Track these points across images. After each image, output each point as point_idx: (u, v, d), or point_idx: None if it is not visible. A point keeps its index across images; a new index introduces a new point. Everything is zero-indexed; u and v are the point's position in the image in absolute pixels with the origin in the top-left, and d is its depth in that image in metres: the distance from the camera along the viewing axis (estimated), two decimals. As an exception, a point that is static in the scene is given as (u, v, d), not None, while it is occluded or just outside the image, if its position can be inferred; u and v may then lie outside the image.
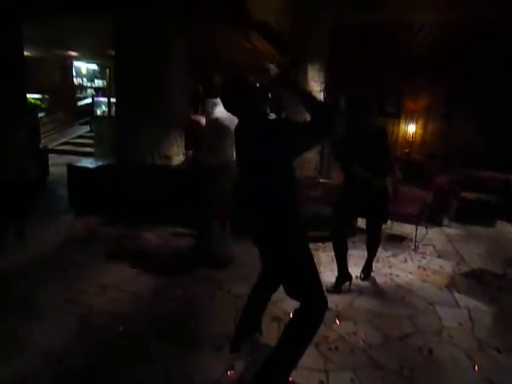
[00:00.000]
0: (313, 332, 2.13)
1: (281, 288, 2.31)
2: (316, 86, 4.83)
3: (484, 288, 3.72)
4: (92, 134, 10.65)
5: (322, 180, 5.12)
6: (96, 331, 2.77)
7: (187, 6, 5.48)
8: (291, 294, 2.20)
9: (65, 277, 3.51)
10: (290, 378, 2.25)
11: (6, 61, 4.87)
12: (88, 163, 5.42)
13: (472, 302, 3.41)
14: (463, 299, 3.45)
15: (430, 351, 2.70)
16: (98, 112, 10.07)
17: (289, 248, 2.06)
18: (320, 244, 4.68)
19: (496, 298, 3.53)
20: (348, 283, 3.59)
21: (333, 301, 3.32)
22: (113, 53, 5.42)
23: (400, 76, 8.98)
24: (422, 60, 8.24)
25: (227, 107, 2.16)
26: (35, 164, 5.75)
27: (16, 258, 3.88)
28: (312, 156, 5.05)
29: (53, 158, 8.98)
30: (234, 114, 2.18)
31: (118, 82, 5.39)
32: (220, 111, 3.21)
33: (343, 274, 3.59)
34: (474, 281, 3.86)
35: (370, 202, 3.49)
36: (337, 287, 3.54)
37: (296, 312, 2.15)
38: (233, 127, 2.33)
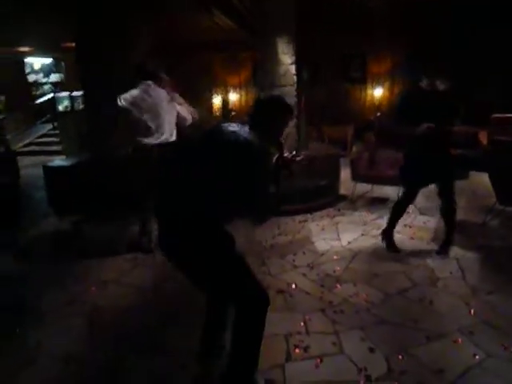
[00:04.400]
0: (260, 329, 1.95)
1: (277, 260, 2.33)
2: (286, 59, 4.81)
3: (468, 237, 3.93)
4: (56, 132, 10.28)
5: (303, 153, 5.16)
6: (105, 327, 2.77)
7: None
8: (224, 298, 2.12)
9: (62, 279, 3.46)
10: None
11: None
12: (62, 162, 5.26)
13: (459, 252, 3.61)
14: (451, 250, 3.64)
15: (431, 302, 2.86)
16: (61, 108, 9.67)
17: (209, 251, 1.88)
18: (308, 215, 4.78)
19: (481, 245, 3.74)
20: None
21: (329, 266, 3.47)
22: (67, 45, 5.20)
23: (359, 39, 9.00)
24: (380, 19, 8.24)
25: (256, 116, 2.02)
26: (4, 169, 5.54)
27: (7, 266, 3.78)
28: (290, 130, 5.06)
29: (19, 161, 8.64)
30: (254, 123, 2.00)
31: (83, 75, 5.18)
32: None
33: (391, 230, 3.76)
34: (458, 232, 4.06)
35: (439, 163, 3.37)
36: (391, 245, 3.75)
37: (236, 316, 1.94)
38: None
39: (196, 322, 2.67)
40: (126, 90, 3.66)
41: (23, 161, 8.84)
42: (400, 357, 2.30)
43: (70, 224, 4.74)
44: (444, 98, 3.33)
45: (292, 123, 4.33)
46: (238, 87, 10.53)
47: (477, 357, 2.26)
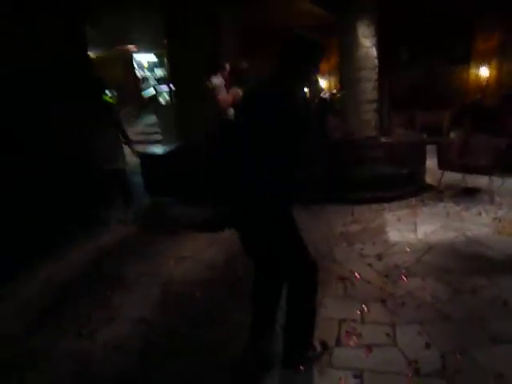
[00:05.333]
0: (314, 297, 2.11)
1: (344, 247, 2.32)
2: (367, 42, 4.63)
3: None
4: (158, 122, 11.25)
5: (382, 139, 4.97)
6: (177, 298, 3.08)
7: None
8: (281, 273, 2.17)
9: (148, 252, 3.90)
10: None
11: (79, 69, 5.34)
12: (156, 150, 5.81)
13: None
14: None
15: (505, 302, 2.61)
16: (161, 101, 10.57)
17: (276, 223, 1.98)
18: (385, 204, 4.61)
19: None
20: None
21: (399, 258, 3.34)
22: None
23: (464, 13, 8.17)
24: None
25: (283, 59, 1.97)
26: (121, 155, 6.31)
27: (107, 239, 4.38)
28: (371, 115, 4.90)
29: (126, 149, 9.71)
30: (283, 69, 1.98)
31: (172, 71, 5.64)
32: None
33: None
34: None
35: None
36: None
37: (291, 288, 2.11)
38: None
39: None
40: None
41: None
42: (458, 356, 2.17)
43: (161, 205, 5.27)
44: None
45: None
46: (327, 73, 10.34)
47: (549, 366, 2.04)
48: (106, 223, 4.66)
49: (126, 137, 4.74)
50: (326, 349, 2.30)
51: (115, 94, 12.81)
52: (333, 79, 10.31)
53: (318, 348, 2.27)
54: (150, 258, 3.79)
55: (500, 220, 3.92)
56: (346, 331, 2.46)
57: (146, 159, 5.69)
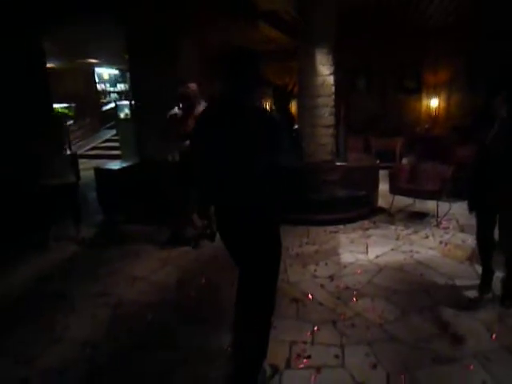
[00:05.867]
0: (269, 322, 2.16)
1: (298, 268, 2.37)
2: (325, 70, 4.82)
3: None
4: (117, 137, 11.05)
5: (338, 163, 5.13)
6: (126, 319, 2.97)
7: (198, 6, 5.61)
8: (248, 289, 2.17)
9: (97, 272, 3.76)
10: None
11: (29, 76, 5.19)
12: (113, 165, 5.68)
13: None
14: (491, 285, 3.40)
15: (447, 324, 2.73)
16: (122, 115, 10.42)
17: (262, 239, 2.05)
18: (341, 226, 4.73)
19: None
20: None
21: (350, 279, 3.42)
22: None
23: (417, 49, 8.80)
24: (438, 29, 8.02)
25: (226, 74, 2.00)
26: (69, 169, 6.09)
27: (54, 257, 4.18)
28: (327, 140, 5.06)
29: (84, 163, 9.42)
30: (229, 84, 2.00)
31: (132, 86, 5.61)
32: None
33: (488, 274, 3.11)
34: (497, 252, 3.80)
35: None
36: (483, 290, 3.09)
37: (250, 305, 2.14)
38: None
39: (211, 323, 2.82)
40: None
41: (88, 163, 9.64)
42: (402, 376, 2.23)
43: (114, 223, 5.12)
44: None
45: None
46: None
47: (485, 384, 2.14)
48: (46, 242, 4.45)
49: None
50: (276, 372, 2.29)
51: (73, 105, 12.54)
52: (294, 102, 10.62)
53: (268, 371, 2.26)
54: (101, 277, 3.66)
55: (446, 243, 4.12)
56: (297, 353, 2.46)
57: (102, 174, 5.54)
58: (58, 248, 4.42)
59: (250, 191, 1.98)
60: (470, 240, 4.14)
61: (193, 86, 3.98)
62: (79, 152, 10.90)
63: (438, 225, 4.66)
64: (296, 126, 2.07)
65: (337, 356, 2.43)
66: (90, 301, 3.24)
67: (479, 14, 6.91)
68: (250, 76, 1.98)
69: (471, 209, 3.01)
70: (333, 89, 4.93)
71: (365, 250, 4.03)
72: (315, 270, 3.61)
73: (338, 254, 3.96)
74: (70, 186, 4.56)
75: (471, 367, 2.28)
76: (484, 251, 3.11)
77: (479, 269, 3.43)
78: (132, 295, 3.33)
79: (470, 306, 2.95)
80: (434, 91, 9.17)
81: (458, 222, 4.75)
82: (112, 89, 13.73)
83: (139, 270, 3.78)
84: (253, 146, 1.90)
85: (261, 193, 1.98)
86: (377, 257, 3.88)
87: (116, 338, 2.75)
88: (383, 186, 5.32)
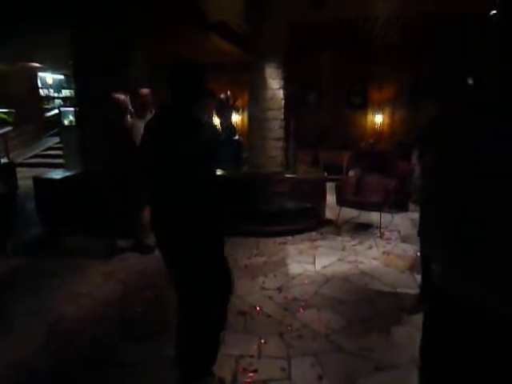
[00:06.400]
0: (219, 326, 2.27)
1: (247, 281, 2.40)
2: (274, 84, 4.91)
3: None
4: (61, 145, 10.52)
5: (287, 175, 5.22)
6: (67, 337, 2.80)
7: (147, 15, 5.53)
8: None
9: (36, 288, 3.52)
10: None
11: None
12: (54, 174, 5.38)
13: (431, 282, 3.56)
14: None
15: (389, 332, 2.83)
16: (66, 122, 9.94)
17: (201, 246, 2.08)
18: (289, 237, 4.78)
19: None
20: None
21: (298, 290, 3.46)
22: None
23: (364, 66, 9.25)
24: (383, 48, 8.51)
25: (172, 85, 2.06)
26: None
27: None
28: (277, 152, 5.13)
29: (23, 172, 8.87)
30: (174, 94, 2.06)
31: (77, 92, 5.39)
32: None
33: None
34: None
35: None
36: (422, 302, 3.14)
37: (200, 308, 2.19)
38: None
39: (156, 338, 2.72)
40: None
41: (28, 172, 9.07)
42: (346, 386, 2.27)
43: (54, 235, 4.84)
44: None
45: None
46: (240, 109, 10.70)
47: (423, 390, 2.22)
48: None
49: None
50: None
51: (13, 111, 11.79)
52: (245, 114, 10.73)
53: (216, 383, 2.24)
54: (39, 294, 3.42)
55: (388, 254, 4.30)
56: (243, 368, 2.43)
57: (42, 184, 5.23)
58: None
59: (189, 196, 2.01)
60: (411, 250, 4.36)
61: (145, 91, 4.00)
62: (19, 160, 10.27)
63: (381, 236, 4.86)
64: (237, 137, 2.14)
65: (283, 369, 2.43)
66: (27, 318, 3.02)
67: (424, 34, 7.40)
68: (194, 88, 2.05)
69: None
70: (282, 102, 5.02)
71: (312, 261, 4.10)
72: (264, 282, 3.61)
73: (286, 265, 3.99)
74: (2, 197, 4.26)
75: (410, 374, 2.37)
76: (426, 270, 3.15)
77: (418, 278, 3.62)
78: (74, 311, 3.14)
79: (409, 313, 3.08)
80: (379, 107, 9.66)
81: (399, 232, 4.98)
82: (56, 94, 13.09)
83: (81, 285, 3.59)
84: (193, 154, 1.97)
85: (200, 198, 2.03)
86: (324, 267, 3.96)
87: (56, 358, 2.57)
88: (330, 198, 5.47)
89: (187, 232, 2.04)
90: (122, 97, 4.02)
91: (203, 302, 2.15)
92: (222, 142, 2.07)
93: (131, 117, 4.12)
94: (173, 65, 2.08)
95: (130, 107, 4.14)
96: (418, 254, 4.08)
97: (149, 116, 3.76)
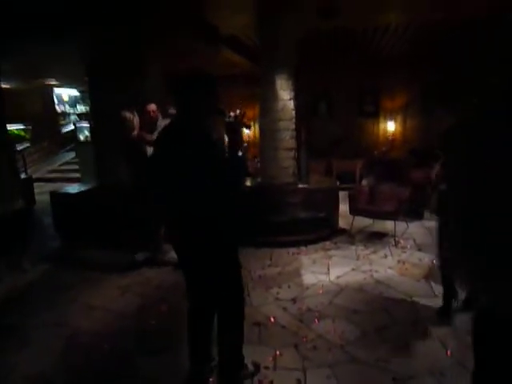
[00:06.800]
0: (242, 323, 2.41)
1: (261, 291, 2.47)
2: (285, 95, 4.95)
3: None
4: (77, 160, 10.74)
5: (300, 185, 5.22)
6: (83, 351, 2.83)
7: (160, 30, 5.66)
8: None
9: (53, 301, 3.58)
10: None
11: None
12: (71, 189, 5.50)
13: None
14: (440, 289, 3.53)
15: (405, 342, 2.79)
16: (81, 138, 10.16)
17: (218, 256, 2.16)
18: (303, 247, 4.77)
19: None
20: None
21: (312, 301, 3.44)
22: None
23: (374, 76, 9.27)
24: (394, 57, 8.52)
25: (180, 98, 2.10)
26: (18, 194, 5.83)
27: (5, 287, 3.94)
28: (289, 163, 5.15)
29: (41, 187, 9.07)
30: (183, 108, 2.12)
31: (92, 107, 5.52)
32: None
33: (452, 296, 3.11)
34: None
35: None
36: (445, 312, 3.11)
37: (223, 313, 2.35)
38: None
39: (172, 351, 2.74)
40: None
41: (45, 187, 9.28)
42: (363, 398, 2.25)
43: (70, 248, 4.92)
44: None
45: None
46: (252, 120, 10.78)
47: (441, 401, 2.18)
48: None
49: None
50: (259, 370, 2.48)
51: (30, 127, 12.12)
52: (256, 126, 10.79)
53: (251, 368, 2.45)
54: (55, 307, 3.48)
55: (404, 262, 4.24)
56: (258, 380, 2.43)
57: (59, 198, 5.35)
58: (9, 278, 4.18)
59: (201, 203, 2.04)
60: (427, 258, 4.30)
61: (152, 106, 4.12)
62: (36, 175, 10.49)
63: (396, 244, 4.81)
64: (240, 153, 2.18)
65: (299, 380, 2.42)
66: (44, 331, 3.07)
67: (433, 43, 7.39)
68: (205, 99, 2.08)
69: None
70: (293, 113, 5.06)
71: (326, 271, 4.08)
72: (278, 293, 3.61)
73: (300, 276, 3.98)
74: (19, 212, 4.36)
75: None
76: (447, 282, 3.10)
77: (435, 286, 3.57)
78: (90, 325, 3.18)
79: (426, 323, 3.03)
80: (391, 116, 9.63)
81: (414, 241, 4.92)
82: (72, 110, 13.41)
83: (98, 298, 3.63)
84: (199, 167, 1.99)
85: (211, 205, 2.05)
86: (338, 277, 3.93)
87: (72, 371, 2.61)
88: (344, 207, 5.45)
89: (203, 240, 2.09)
90: (127, 115, 4.15)
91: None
92: (225, 157, 2.13)
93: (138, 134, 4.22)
94: (183, 78, 2.11)
95: (138, 124, 4.23)
96: (434, 261, 4.05)
97: (156, 132, 3.89)
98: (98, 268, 4.33)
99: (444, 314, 3.10)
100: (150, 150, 4.13)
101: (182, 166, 2.02)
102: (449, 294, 3.10)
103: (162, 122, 4.02)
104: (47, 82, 11.78)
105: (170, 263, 4.15)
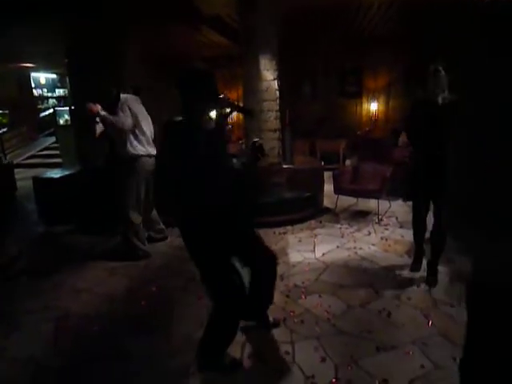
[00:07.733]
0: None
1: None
2: (269, 75, 4.93)
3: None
4: (57, 145, 10.54)
5: (285, 166, 5.26)
6: (73, 334, 2.85)
7: (138, 10, 5.52)
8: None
9: (40, 286, 3.57)
10: None
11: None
12: (53, 174, 5.41)
13: (429, 265, 3.63)
14: (422, 263, 3.66)
15: (389, 314, 2.89)
16: (61, 122, 9.94)
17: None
18: (289, 227, 4.84)
19: (452, 259, 3.75)
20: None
21: (299, 278, 3.52)
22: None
23: (357, 56, 9.27)
24: (377, 37, 8.51)
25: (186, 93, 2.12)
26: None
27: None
28: (274, 144, 5.17)
29: (21, 173, 8.90)
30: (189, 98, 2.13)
31: (72, 90, 5.40)
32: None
33: (419, 257, 3.60)
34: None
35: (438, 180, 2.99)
36: (414, 268, 3.56)
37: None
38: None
39: (162, 331, 2.78)
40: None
41: (26, 173, 9.10)
42: (349, 367, 2.34)
43: (54, 233, 4.88)
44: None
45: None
46: (236, 102, 10.69)
47: (424, 368, 2.29)
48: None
49: None
50: (278, 325, 2.77)
51: (6, 112, 11.78)
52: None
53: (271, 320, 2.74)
54: (42, 292, 3.47)
55: (386, 239, 4.36)
56: (248, 353, 2.50)
57: (41, 183, 5.27)
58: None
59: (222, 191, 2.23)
60: (409, 235, 4.40)
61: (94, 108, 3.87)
62: (16, 161, 10.27)
63: (379, 222, 4.92)
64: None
65: (287, 352, 2.50)
66: (32, 316, 3.07)
67: (416, 25, 7.40)
68: (207, 92, 2.11)
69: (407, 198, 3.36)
70: (277, 93, 5.06)
71: (312, 249, 4.16)
72: (265, 271, 3.67)
73: (286, 254, 4.05)
74: None
75: (410, 353, 2.44)
76: (417, 232, 3.56)
77: (416, 260, 3.69)
78: (78, 308, 3.19)
79: (408, 295, 3.15)
80: (374, 96, 9.69)
81: (397, 218, 5.04)
82: (50, 94, 13.06)
83: (84, 281, 3.64)
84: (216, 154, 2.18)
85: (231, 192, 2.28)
86: (323, 255, 4.02)
87: (62, 353, 2.63)
88: (328, 187, 5.52)
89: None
90: (90, 106, 3.88)
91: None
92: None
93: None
94: (186, 72, 2.16)
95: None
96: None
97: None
98: (82, 252, 4.32)
99: (414, 269, 3.55)
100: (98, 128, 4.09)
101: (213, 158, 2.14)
102: (419, 252, 3.60)
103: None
104: (23, 65, 11.41)
105: (139, 250, 4.08)
